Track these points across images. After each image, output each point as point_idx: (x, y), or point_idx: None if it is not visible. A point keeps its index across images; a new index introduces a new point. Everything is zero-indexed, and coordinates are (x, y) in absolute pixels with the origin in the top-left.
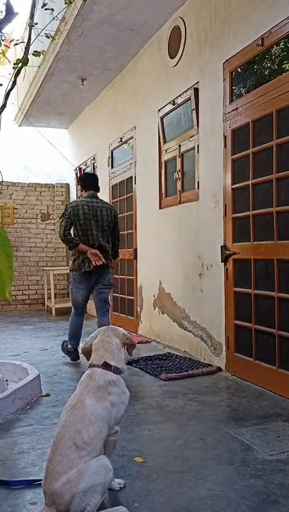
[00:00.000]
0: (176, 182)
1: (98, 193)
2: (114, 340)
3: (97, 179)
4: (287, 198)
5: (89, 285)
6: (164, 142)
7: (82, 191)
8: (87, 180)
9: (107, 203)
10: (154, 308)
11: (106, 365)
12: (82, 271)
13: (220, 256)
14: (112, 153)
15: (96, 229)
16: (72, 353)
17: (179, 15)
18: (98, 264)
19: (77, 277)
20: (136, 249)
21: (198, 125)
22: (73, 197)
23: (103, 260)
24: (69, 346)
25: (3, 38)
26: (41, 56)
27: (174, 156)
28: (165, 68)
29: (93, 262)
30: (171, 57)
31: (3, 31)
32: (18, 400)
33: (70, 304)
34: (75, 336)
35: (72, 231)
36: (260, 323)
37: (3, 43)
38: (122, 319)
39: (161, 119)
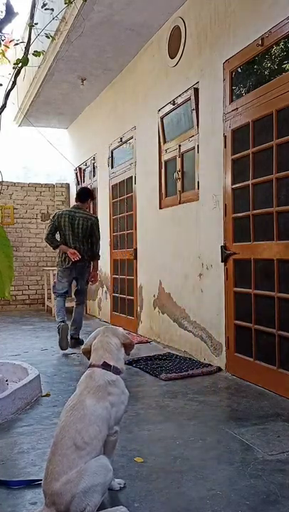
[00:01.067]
0: (176, 182)
1: (92, 202)
2: (114, 341)
3: (85, 193)
4: (287, 198)
5: (69, 279)
6: (164, 142)
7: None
8: (77, 194)
9: (88, 214)
10: (154, 308)
11: (105, 365)
12: (64, 267)
13: (220, 256)
14: (112, 153)
15: (72, 235)
16: (60, 330)
17: (179, 15)
18: (75, 259)
19: (60, 272)
20: (136, 249)
21: (198, 125)
22: (73, 197)
23: (79, 256)
24: (57, 320)
25: (3, 38)
26: (41, 56)
27: (174, 156)
28: (165, 68)
29: (72, 259)
30: (171, 57)
31: (3, 31)
32: (18, 400)
33: (70, 304)
34: (62, 311)
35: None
36: (260, 323)
37: (3, 43)
38: (122, 319)
39: (161, 119)
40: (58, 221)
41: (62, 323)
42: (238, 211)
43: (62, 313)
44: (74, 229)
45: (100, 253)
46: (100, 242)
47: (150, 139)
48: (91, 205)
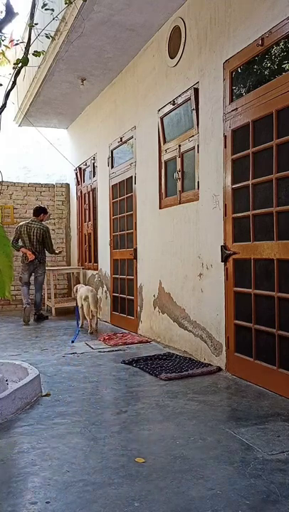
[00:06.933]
0: (176, 182)
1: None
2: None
3: (38, 209)
4: (287, 198)
5: (29, 272)
6: (164, 142)
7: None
8: (33, 210)
9: (40, 225)
10: (154, 308)
11: None
12: (24, 263)
13: (220, 256)
14: (112, 153)
15: (29, 240)
16: (24, 309)
17: (179, 15)
18: (30, 258)
19: (22, 267)
20: (136, 249)
21: (198, 125)
22: (73, 197)
23: (30, 257)
24: (24, 302)
25: (3, 38)
26: (41, 56)
27: (174, 156)
28: (165, 68)
29: (29, 257)
30: (171, 57)
31: (3, 31)
32: (18, 400)
33: (70, 304)
34: (26, 296)
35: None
36: (260, 323)
37: (3, 43)
38: (122, 319)
39: (161, 119)
40: (20, 231)
41: (26, 305)
42: (238, 211)
43: (26, 298)
44: (30, 236)
45: (56, 250)
46: (102, 242)
47: (150, 139)
48: (91, 206)
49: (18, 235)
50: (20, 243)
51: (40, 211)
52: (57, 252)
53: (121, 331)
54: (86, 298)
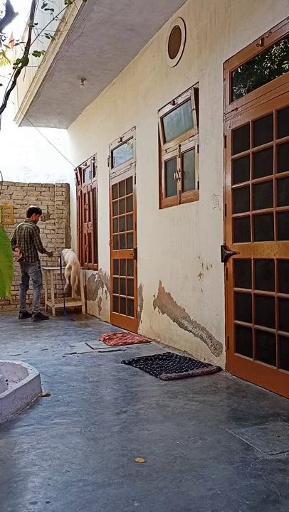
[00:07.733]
0: (176, 182)
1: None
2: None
3: (29, 210)
4: (287, 198)
5: (22, 270)
6: (164, 142)
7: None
8: (27, 211)
9: (29, 225)
10: (154, 308)
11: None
12: (17, 260)
13: (220, 256)
14: (112, 153)
15: (18, 240)
16: (20, 313)
17: (179, 15)
18: (19, 257)
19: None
20: (136, 249)
21: (198, 125)
22: (73, 197)
23: (19, 256)
24: (20, 307)
25: (3, 38)
26: (41, 56)
27: (174, 156)
28: (165, 68)
29: (19, 256)
30: (171, 57)
31: (3, 31)
32: (18, 400)
33: (70, 304)
34: (22, 300)
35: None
36: (260, 323)
37: (3, 43)
38: (122, 319)
39: (161, 119)
40: (15, 232)
41: (20, 314)
42: (238, 211)
43: (21, 304)
44: (20, 236)
45: (46, 249)
46: (102, 242)
47: (150, 139)
48: (91, 206)
49: (14, 237)
50: (17, 244)
51: (31, 212)
52: (48, 251)
53: (121, 330)
54: (69, 268)
